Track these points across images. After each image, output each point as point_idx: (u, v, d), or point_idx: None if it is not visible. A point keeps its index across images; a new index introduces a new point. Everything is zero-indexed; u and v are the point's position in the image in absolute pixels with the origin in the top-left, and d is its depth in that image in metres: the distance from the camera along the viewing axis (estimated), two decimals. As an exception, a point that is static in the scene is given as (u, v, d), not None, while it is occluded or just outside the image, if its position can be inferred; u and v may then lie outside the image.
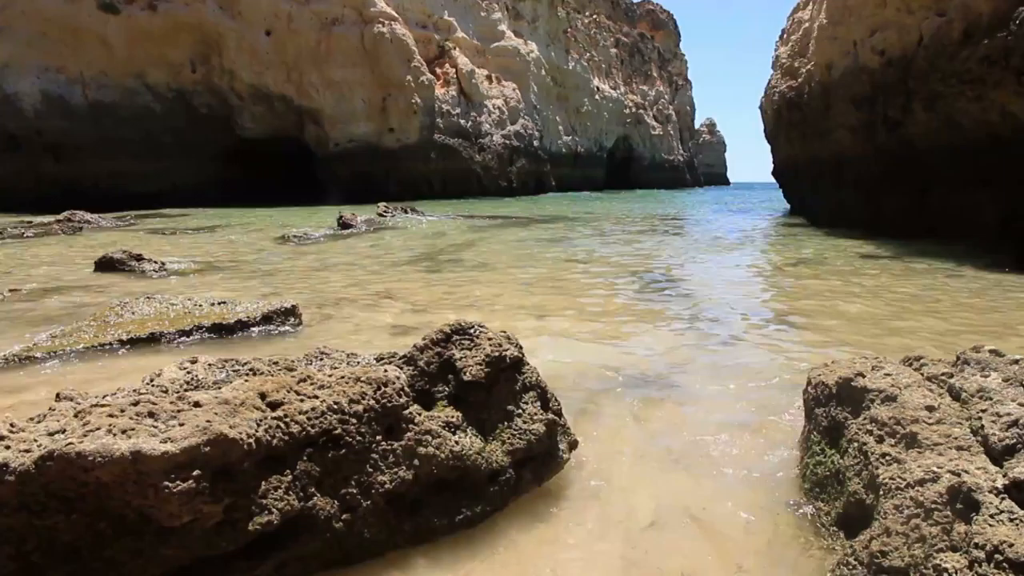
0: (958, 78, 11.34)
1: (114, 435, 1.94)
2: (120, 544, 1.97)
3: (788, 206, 26.03)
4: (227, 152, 38.72)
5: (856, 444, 2.48)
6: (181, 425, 2.03)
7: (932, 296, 7.47)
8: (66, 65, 33.57)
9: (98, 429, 1.97)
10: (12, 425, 2.04)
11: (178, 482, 1.92)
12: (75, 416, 2.10)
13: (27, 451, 1.91)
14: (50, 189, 29.73)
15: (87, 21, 33.75)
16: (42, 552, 1.95)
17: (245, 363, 2.94)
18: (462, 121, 46.65)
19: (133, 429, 1.98)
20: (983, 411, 2.30)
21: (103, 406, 2.13)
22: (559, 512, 2.68)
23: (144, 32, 35.12)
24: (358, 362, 2.99)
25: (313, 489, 2.24)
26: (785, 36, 21.96)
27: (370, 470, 2.38)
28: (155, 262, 9.65)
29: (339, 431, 2.34)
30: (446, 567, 2.33)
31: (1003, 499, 1.94)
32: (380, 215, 21.38)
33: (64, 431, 2.01)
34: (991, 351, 2.69)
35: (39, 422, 2.12)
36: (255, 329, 5.52)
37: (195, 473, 1.95)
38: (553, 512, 2.68)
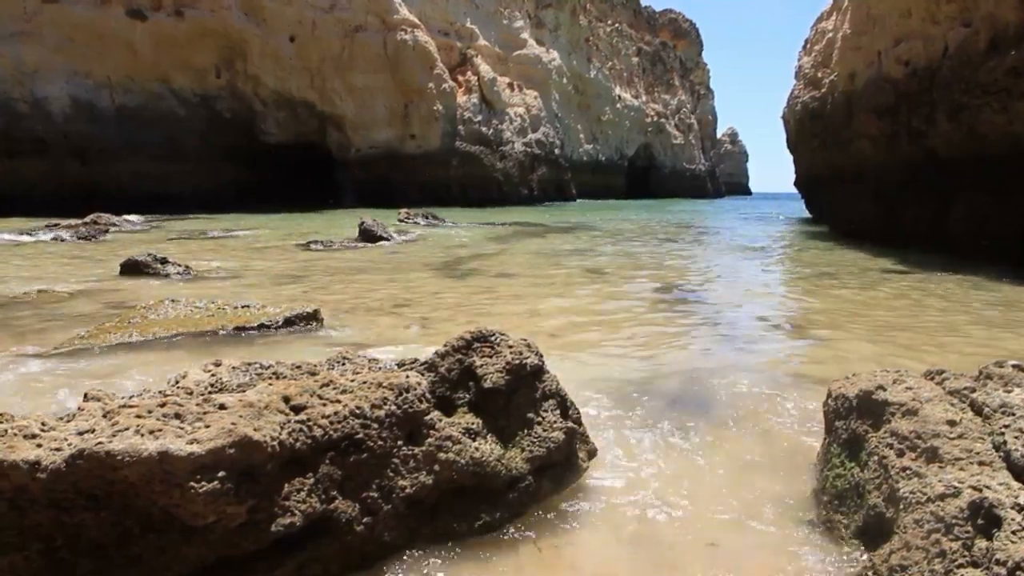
0: (983, 89, 11.23)
1: (142, 436, 1.98)
2: (145, 542, 2.01)
3: (809, 216, 25.91)
4: (247, 156, 39.03)
5: (876, 457, 2.47)
6: (207, 427, 2.06)
7: (956, 310, 7.39)
8: (93, 70, 34.02)
9: (126, 429, 2.01)
10: (43, 424, 2.09)
11: (203, 483, 1.95)
12: (104, 416, 2.14)
13: (58, 450, 1.96)
14: (73, 191, 30.07)
15: (114, 27, 34.18)
16: (70, 548, 1.99)
17: (268, 366, 2.98)
18: (483, 128, 46.75)
19: (160, 430, 2.02)
20: (1006, 426, 2.29)
21: (131, 407, 2.18)
22: (577, 521, 2.69)
23: (170, 38, 35.51)
24: (379, 367, 3.02)
25: (335, 492, 2.27)
26: (808, 46, 21.85)
27: (391, 474, 2.41)
28: (179, 265, 9.76)
29: (361, 435, 2.37)
30: (465, 573, 2.35)
31: (1025, 515, 1.93)
32: (401, 221, 21.49)
33: (93, 431, 2.05)
34: (1014, 366, 2.67)
35: (68, 421, 2.17)
36: (277, 333, 5.57)
37: (220, 474, 1.98)
38: (571, 521, 2.69)
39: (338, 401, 2.41)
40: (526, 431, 2.81)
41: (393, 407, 2.49)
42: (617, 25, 76.84)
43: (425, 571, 2.35)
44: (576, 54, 64.08)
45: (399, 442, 2.47)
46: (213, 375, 2.86)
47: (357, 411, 2.40)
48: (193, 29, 36.13)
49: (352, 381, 2.55)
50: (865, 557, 2.29)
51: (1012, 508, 1.95)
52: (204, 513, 1.97)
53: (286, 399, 2.34)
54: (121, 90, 35.02)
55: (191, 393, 2.60)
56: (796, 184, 25.07)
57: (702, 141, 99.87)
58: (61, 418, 2.21)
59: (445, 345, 2.89)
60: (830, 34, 19.20)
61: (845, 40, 17.39)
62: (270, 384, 2.47)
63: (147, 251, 10.11)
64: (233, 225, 22.12)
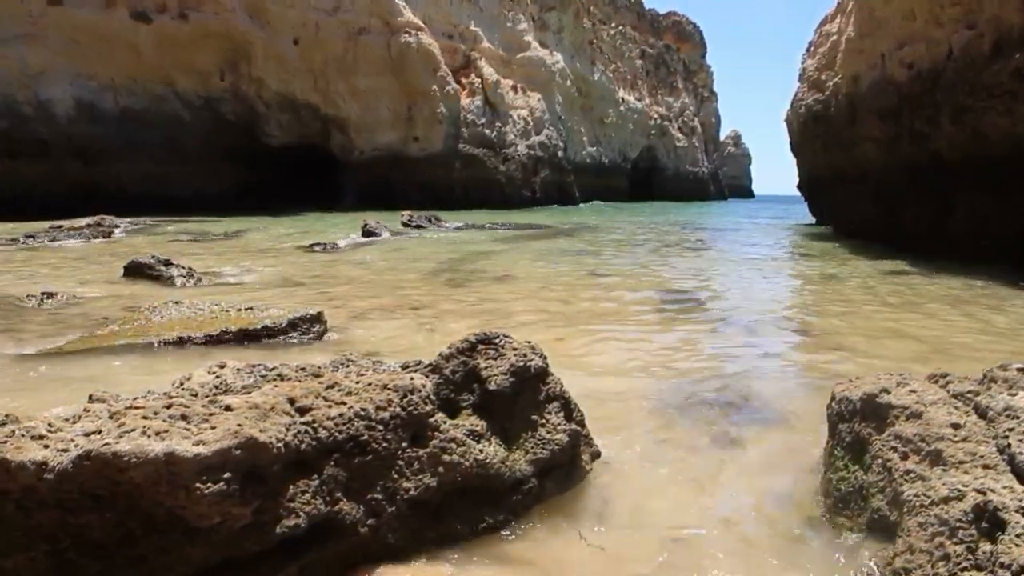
0: (987, 91, 11.21)
1: (148, 437, 1.98)
2: (148, 542, 2.01)
3: (812, 219, 25.90)
4: (248, 157, 39.04)
5: (880, 460, 2.47)
6: (213, 428, 2.07)
7: (958, 311, 7.38)
8: (97, 72, 34.05)
9: (133, 431, 2.02)
10: (50, 425, 2.10)
11: (209, 484, 1.96)
12: (110, 417, 2.15)
13: (64, 451, 1.96)
14: (73, 191, 30.07)
15: (119, 29, 34.23)
16: (75, 549, 2.00)
17: (272, 368, 2.99)
18: (487, 131, 46.75)
19: (166, 431, 2.03)
20: (1010, 429, 2.29)
21: (137, 408, 2.19)
22: (581, 523, 2.69)
23: (174, 40, 35.56)
24: (384, 369, 3.02)
25: (339, 494, 2.28)
26: (812, 49, 21.85)
27: (395, 476, 2.41)
28: (183, 267, 9.76)
29: (366, 437, 2.37)
30: (468, 574, 2.35)
31: (1029, 518, 1.92)
32: (404, 224, 21.50)
33: (100, 432, 2.06)
34: (1019, 369, 2.67)
35: (74, 423, 2.18)
36: (281, 335, 5.58)
37: (226, 475, 1.99)
38: (575, 523, 2.69)
39: (343, 403, 2.42)
40: (530, 433, 2.81)
41: (398, 409, 2.49)
42: (621, 28, 76.83)
43: (427, 573, 2.35)
44: (579, 56, 64.05)
45: (403, 444, 2.47)
46: (218, 377, 2.86)
47: (362, 413, 2.40)
48: (197, 31, 36.19)
49: (357, 383, 2.56)
50: (869, 560, 2.29)
51: (1016, 511, 1.95)
52: (209, 514, 1.97)
53: (291, 401, 2.34)
54: (125, 92, 35.06)
55: (196, 395, 2.61)
56: (799, 187, 25.07)
57: (705, 144, 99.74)
58: (66, 419, 2.22)
59: (449, 347, 2.89)
60: (834, 37, 19.20)
61: (849, 43, 17.38)
62: (275, 386, 2.47)
63: (150, 253, 10.13)
64: (235, 227, 22.14)
